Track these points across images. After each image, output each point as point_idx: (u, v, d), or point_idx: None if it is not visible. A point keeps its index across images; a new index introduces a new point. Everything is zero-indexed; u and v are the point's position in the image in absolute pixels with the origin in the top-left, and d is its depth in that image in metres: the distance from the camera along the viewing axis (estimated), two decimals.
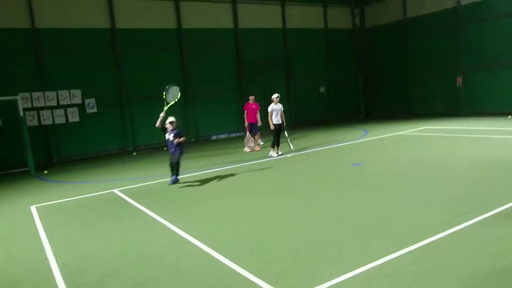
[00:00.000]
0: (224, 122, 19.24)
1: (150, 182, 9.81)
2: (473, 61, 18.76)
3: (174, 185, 9.16)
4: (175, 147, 9.00)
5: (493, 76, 18.11)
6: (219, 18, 19.02)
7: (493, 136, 12.28)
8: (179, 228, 6.04)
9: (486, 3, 17.98)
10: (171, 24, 17.82)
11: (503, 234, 4.79)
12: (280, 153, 12.16)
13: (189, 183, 9.29)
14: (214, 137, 18.87)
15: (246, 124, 13.72)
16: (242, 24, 19.58)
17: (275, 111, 11.85)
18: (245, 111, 13.72)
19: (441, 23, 19.84)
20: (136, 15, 16.94)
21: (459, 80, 19.28)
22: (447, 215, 5.55)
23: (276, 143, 12.03)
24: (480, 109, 18.67)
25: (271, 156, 11.95)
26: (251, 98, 13.73)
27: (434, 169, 8.64)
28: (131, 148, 16.92)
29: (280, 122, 11.96)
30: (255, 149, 13.59)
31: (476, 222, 5.20)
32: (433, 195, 6.71)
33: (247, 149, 13.63)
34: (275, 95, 12.00)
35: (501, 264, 4.03)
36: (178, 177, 9.31)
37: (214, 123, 18.95)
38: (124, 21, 16.61)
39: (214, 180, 9.50)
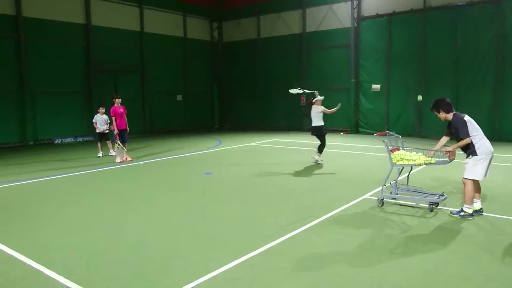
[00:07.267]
0: (70, 125, 17.58)
1: None
2: (314, 82, 21.06)
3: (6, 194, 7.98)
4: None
5: (330, 97, 20.62)
6: (68, 11, 17.43)
7: (328, 150, 13.95)
8: (3, 244, 5.29)
9: (325, 33, 20.49)
10: (6, 9, 15.65)
11: (329, 238, 5.47)
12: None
13: (26, 191, 8.20)
14: (57, 141, 17.08)
15: (116, 131, 11.88)
16: (96, 22, 18.33)
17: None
18: (113, 117, 11.86)
19: (289, 45, 21.85)
20: None
21: (303, 99, 21.44)
22: (284, 222, 6.08)
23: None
24: None
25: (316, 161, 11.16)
26: (117, 100, 11.94)
27: (277, 179, 9.39)
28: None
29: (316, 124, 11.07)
30: (126, 159, 12.03)
31: (308, 228, 5.82)
32: (274, 204, 7.28)
33: (118, 159, 11.90)
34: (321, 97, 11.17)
35: (324, 264, 4.59)
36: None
37: (57, 125, 17.18)
38: None
39: (55, 188, 8.61)
